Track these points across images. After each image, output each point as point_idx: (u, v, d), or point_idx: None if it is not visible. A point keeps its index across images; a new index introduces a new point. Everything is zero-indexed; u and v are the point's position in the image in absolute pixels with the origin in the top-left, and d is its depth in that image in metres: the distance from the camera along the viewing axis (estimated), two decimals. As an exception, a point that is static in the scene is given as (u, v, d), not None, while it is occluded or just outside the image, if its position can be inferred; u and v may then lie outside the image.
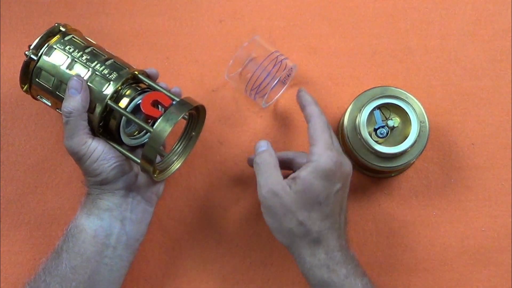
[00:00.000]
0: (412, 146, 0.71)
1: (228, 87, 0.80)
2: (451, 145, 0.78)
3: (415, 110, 0.71)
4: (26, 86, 0.69)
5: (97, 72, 0.66)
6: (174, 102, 0.65)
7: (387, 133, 0.72)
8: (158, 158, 0.70)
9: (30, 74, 0.68)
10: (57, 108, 0.69)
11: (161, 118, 0.62)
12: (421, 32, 0.81)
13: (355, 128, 0.72)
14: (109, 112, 0.67)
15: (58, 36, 0.69)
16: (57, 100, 0.68)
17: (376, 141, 0.72)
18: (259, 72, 0.74)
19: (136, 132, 0.71)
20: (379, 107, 0.72)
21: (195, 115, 0.69)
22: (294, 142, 0.79)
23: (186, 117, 0.70)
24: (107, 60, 0.68)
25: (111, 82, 0.66)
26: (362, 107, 0.72)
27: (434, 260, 0.76)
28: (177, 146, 0.71)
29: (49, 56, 0.67)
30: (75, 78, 0.65)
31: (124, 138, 0.69)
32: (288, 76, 0.79)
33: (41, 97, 0.70)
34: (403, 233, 0.77)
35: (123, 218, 0.67)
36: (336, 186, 0.63)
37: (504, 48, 0.81)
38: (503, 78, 0.80)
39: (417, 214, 0.77)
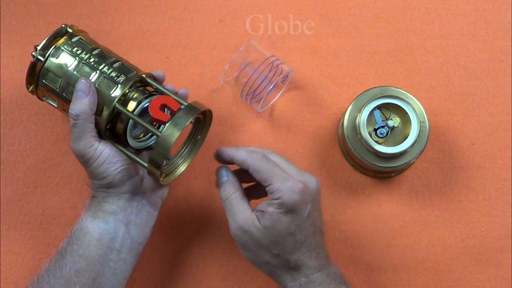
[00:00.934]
0: (412, 146, 0.71)
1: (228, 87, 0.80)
2: (451, 145, 0.78)
3: (415, 110, 0.71)
4: (32, 86, 0.69)
5: (104, 75, 0.66)
6: (182, 107, 0.65)
7: (387, 133, 0.72)
8: (164, 162, 0.70)
9: (37, 75, 0.68)
10: (63, 110, 0.69)
11: (169, 122, 0.62)
12: (421, 32, 0.81)
13: (355, 128, 0.72)
14: (116, 115, 0.66)
15: (65, 37, 0.68)
16: (64, 101, 0.68)
17: (376, 141, 0.72)
18: (255, 76, 0.74)
19: (142, 134, 0.71)
20: (379, 107, 0.72)
21: (202, 119, 0.69)
22: (294, 142, 0.79)
23: (193, 121, 0.70)
24: (114, 62, 0.68)
25: (119, 85, 0.66)
26: (362, 107, 0.72)
27: (434, 260, 0.76)
28: (182, 150, 0.71)
29: (56, 58, 0.67)
30: (83, 80, 0.65)
31: (131, 141, 0.69)
32: (284, 80, 0.79)
33: (47, 98, 0.70)
34: (403, 233, 0.77)
35: (128, 222, 0.67)
36: (306, 210, 0.62)
37: (504, 48, 0.81)
38: (503, 78, 0.80)
39: (417, 214, 0.77)
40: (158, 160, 0.63)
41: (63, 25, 0.69)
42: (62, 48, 0.68)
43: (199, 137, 0.71)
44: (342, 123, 0.74)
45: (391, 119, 0.72)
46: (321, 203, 0.65)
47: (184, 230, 0.78)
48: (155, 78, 0.70)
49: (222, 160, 0.66)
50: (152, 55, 0.81)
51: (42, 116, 0.80)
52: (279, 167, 0.63)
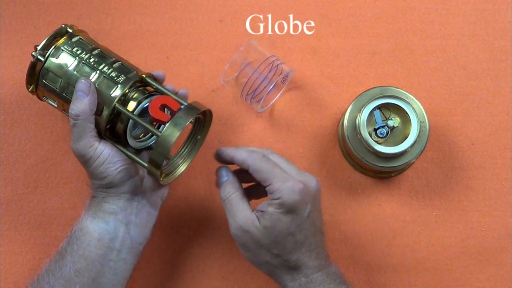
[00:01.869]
0: (412, 146, 0.71)
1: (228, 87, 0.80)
2: (451, 145, 0.78)
3: (415, 110, 0.71)
4: (32, 86, 0.69)
5: (104, 75, 0.66)
6: (182, 107, 0.65)
7: (387, 133, 0.72)
8: (164, 162, 0.70)
9: (37, 75, 0.68)
10: (63, 110, 0.69)
11: (169, 122, 0.62)
12: (421, 32, 0.81)
13: (355, 128, 0.72)
14: (116, 115, 0.66)
15: (65, 37, 0.68)
16: (64, 101, 0.68)
17: (376, 141, 0.72)
18: (255, 76, 0.74)
19: (142, 134, 0.71)
20: (379, 107, 0.72)
21: (202, 119, 0.69)
22: (294, 142, 0.79)
23: (193, 121, 0.70)
24: (114, 62, 0.68)
25: (119, 85, 0.66)
26: (362, 107, 0.72)
27: (434, 260, 0.76)
28: (182, 150, 0.71)
29: (56, 58, 0.67)
30: (83, 80, 0.65)
31: (131, 141, 0.69)
32: (284, 80, 0.79)
33: (47, 98, 0.70)
34: (403, 233, 0.77)
35: (128, 222, 0.67)
36: (306, 210, 0.62)
37: (504, 48, 0.81)
38: (503, 78, 0.80)
39: (417, 214, 0.77)
40: (158, 160, 0.63)
41: (63, 25, 0.69)
42: (62, 48, 0.68)
43: (199, 137, 0.71)
44: (342, 123, 0.74)
45: (391, 119, 0.72)
46: (321, 203, 0.65)
47: (184, 230, 0.78)
48: (155, 78, 0.70)
49: (222, 160, 0.66)
50: (152, 55, 0.81)
51: (42, 116, 0.80)
52: (279, 167, 0.63)
